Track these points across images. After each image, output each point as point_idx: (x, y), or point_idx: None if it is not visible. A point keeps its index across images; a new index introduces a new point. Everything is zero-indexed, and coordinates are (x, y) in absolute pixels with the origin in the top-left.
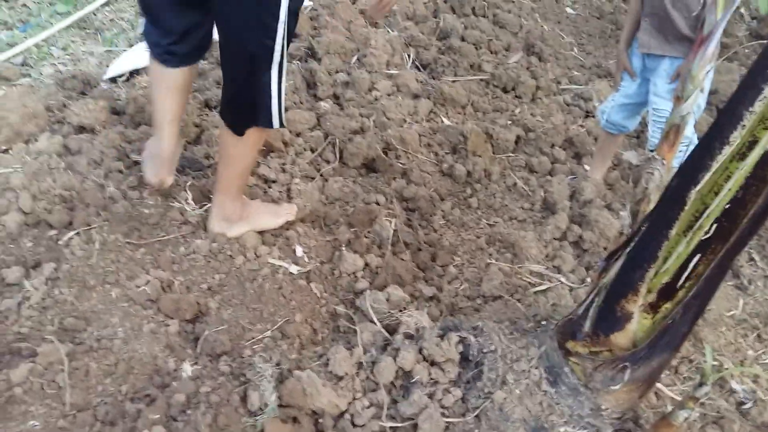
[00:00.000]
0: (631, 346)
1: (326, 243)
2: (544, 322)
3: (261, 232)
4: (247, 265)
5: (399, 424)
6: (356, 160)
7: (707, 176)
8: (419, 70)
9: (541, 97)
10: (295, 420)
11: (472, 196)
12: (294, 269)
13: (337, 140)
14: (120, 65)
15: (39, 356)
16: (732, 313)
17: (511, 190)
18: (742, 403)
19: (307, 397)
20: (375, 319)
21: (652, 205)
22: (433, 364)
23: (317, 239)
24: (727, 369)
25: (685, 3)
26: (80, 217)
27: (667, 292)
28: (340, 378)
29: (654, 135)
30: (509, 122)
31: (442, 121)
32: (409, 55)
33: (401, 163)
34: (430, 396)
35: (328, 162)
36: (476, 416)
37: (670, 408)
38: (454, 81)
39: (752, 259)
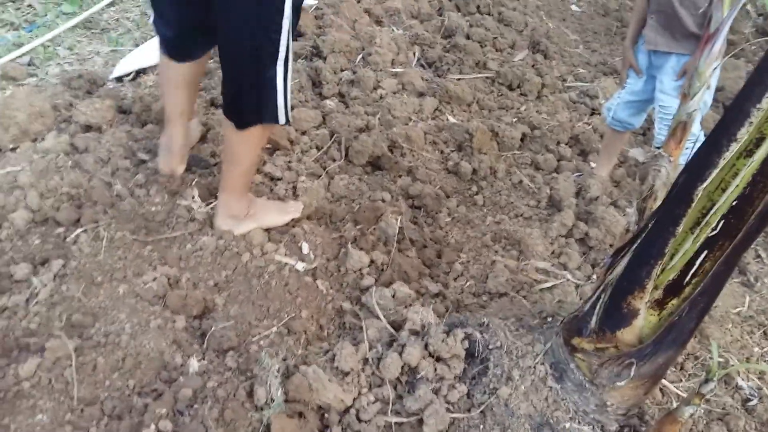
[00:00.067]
0: (637, 342)
1: (332, 240)
2: (549, 319)
3: (267, 230)
4: (254, 262)
5: (404, 420)
6: (362, 158)
7: (714, 173)
8: (424, 68)
9: (547, 94)
10: (301, 415)
11: (478, 194)
12: (300, 266)
13: (343, 138)
14: (126, 65)
15: (47, 351)
16: (738, 310)
17: (517, 187)
18: (748, 400)
19: (313, 392)
20: (381, 316)
21: (658, 202)
22: (438, 359)
23: (323, 236)
24: (732, 366)
25: (693, 0)
26: (87, 214)
27: (674, 288)
28: (346, 373)
29: (660, 132)
30: (515, 120)
31: (448, 119)
32: (414, 54)
33: (407, 161)
34: (436, 391)
35: (333, 160)
36: (481, 412)
37: (675, 404)
38: (459, 79)
39: (759, 256)
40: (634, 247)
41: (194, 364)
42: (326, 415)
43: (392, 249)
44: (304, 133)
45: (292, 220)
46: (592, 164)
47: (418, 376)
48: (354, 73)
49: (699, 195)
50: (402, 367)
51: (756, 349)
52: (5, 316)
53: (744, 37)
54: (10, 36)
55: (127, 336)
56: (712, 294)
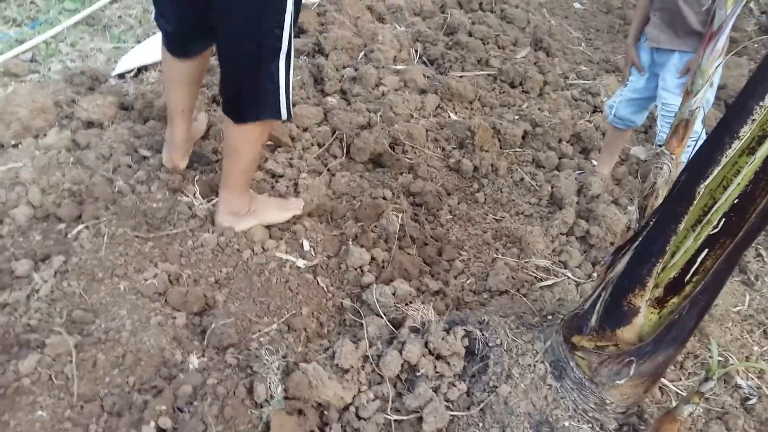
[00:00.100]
0: (638, 340)
1: (333, 237)
2: (550, 317)
3: (268, 227)
4: (255, 259)
5: (404, 417)
6: (363, 155)
7: (716, 170)
8: (426, 65)
9: (549, 92)
10: (300, 412)
11: (479, 191)
12: (301, 263)
13: (344, 135)
14: (128, 61)
15: (47, 347)
16: (738, 308)
17: (518, 185)
18: (747, 399)
19: (313, 389)
20: (381, 313)
21: (660, 200)
22: (438, 357)
23: (324, 233)
24: (732, 364)
25: None
26: (89, 210)
27: (675, 286)
28: (346, 371)
29: (663, 130)
30: (516, 117)
31: (449, 116)
32: (416, 51)
33: (408, 158)
34: (436, 389)
35: (335, 157)
36: (481, 410)
37: (674, 403)
38: (461, 76)
39: (759, 255)
40: (635, 245)
41: (194, 360)
42: (326, 412)
43: (393, 246)
44: (305, 129)
45: (293, 217)
46: (594, 162)
47: (418, 374)
48: (356, 70)
49: (701, 193)
50: (402, 365)
51: (756, 348)
52: (6, 312)
53: (747, 35)
54: (12, 32)
55: (128, 332)
56: (712, 292)
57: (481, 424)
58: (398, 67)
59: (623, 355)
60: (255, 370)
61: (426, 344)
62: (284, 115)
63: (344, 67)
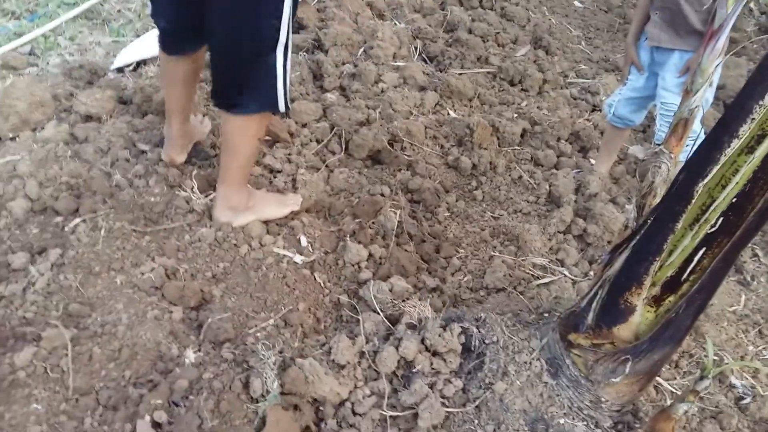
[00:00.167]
0: (634, 339)
1: (331, 233)
2: (546, 315)
3: (266, 222)
4: (252, 254)
5: (399, 413)
6: (362, 152)
7: (715, 169)
8: (426, 62)
9: (548, 90)
10: (296, 407)
11: (477, 189)
12: (298, 259)
13: (343, 131)
14: (127, 55)
15: (43, 341)
16: (734, 308)
17: (517, 183)
18: (741, 398)
19: (309, 384)
20: (378, 309)
21: (658, 199)
22: (435, 354)
23: (322, 229)
24: (727, 364)
25: None
26: (86, 204)
27: (672, 285)
28: (342, 366)
29: (662, 129)
30: (515, 115)
31: (449, 114)
32: (415, 48)
33: (407, 155)
34: (431, 386)
35: (333, 153)
36: (477, 407)
37: (669, 402)
38: (460, 73)
39: (755, 255)
40: (632, 243)
41: (190, 355)
42: (321, 408)
43: (390, 243)
44: (304, 125)
45: (291, 212)
46: (592, 161)
47: (414, 370)
48: (355, 66)
49: (699, 191)
50: (398, 361)
51: (750, 347)
52: (2, 305)
53: (746, 35)
54: (11, 25)
55: (124, 326)
56: (709, 291)
57: (476, 421)
58: (398, 63)
59: (619, 353)
60: (251, 365)
61: (422, 341)
62: (282, 107)
63: (344, 64)
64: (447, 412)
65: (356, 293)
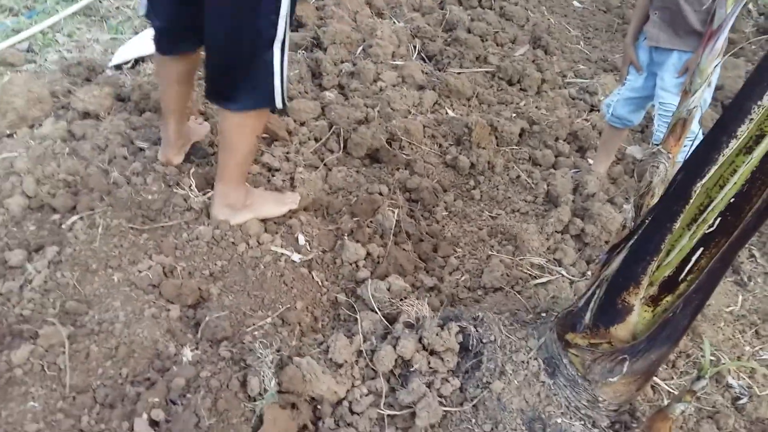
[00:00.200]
0: (631, 338)
1: (329, 232)
2: (544, 314)
3: (264, 220)
4: (250, 253)
5: (397, 412)
6: (360, 150)
7: (713, 169)
8: (425, 61)
9: (547, 90)
10: (294, 406)
11: (475, 188)
12: (296, 257)
13: (342, 130)
14: (125, 52)
15: (40, 338)
16: (731, 309)
17: (515, 182)
18: (738, 399)
19: (306, 383)
20: (376, 308)
21: (655, 199)
22: (432, 353)
23: (320, 228)
24: (723, 364)
25: None
26: (84, 201)
27: (669, 285)
28: (340, 365)
29: (660, 129)
30: (514, 115)
31: (447, 113)
32: (414, 47)
33: (405, 154)
34: (429, 385)
35: (332, 151)
36: (474, 406)
37: (666, 402)
38: (459, 73)
39: (752, 256)
40: (630, 243)
41: (188, 353)
42: (319, 406)
43: (388, 242)
44: (302, 124)
45: (289, 211)
46: (590, 161)
47: (412, 369)
48: (354, 65)
49: (697, 191)
50: (396, 360)
51: (747, 348)
52: None
53: (744, 36)
54: (9, 22)
55: (121, 324)
56: (706, 291)
57: (474, 420)
58: (396, 62)
59: (617, 353)
60: (248, 364)
61: (420, 340)
62: (279, 103)
63: (342, 62)
64: (444, 411)
65: (354, 292)
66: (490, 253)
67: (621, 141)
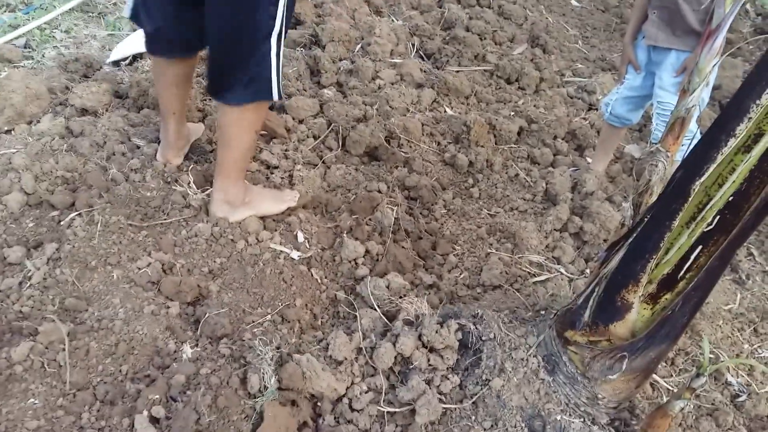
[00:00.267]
0: (630, 336)
1: (327, 229)
2: (543, 312)
3: (263, 218)
4: (249, 250)
5: (397, 409)
6: (359, 148)
7: (712, 168)
8: (423, 59)
9: (545, 88)
10: (293, 403)
11: (474, 186)
12: (295, 255)
13: (340, 128)
14: (123, 49)
15: (40, 335)
16: (729, 307)
17: (513, 180)
18: (737, 396)
19: (306, 380)
20: (375, 306)
21: (654, 197)
22: (432, 350)
23: (319, 225)
24: (722, 362)
25: None
26: (82, 198)
27: (668, 282)
28: (340, 362)
29: (658, 128)
30: (512, 113)
31: (446, 111)
32: (413, 45)
33: (404, 152)
34: (428, 382)
35: (330, 149)
36: (473, 403)
37: (665, 399)
38: (457, 71)
39: (751, 254)
40: (629, 241)
41: (187, 350)
42: (319, 403)
43: (387, 239)
44: (301, 121)
45: (288, 208)
46: (588, 159)
47: (411, 367)
48: (352, 62)
49: (696, 190)
50: (395, 357)
51: (746, 345)
52: None
53: (742, 36)
54: (6, 17)
55: (121, 321)
56: (705, 289)
57: (473, 417)
58: (395, 60)
59: (616, 351)
60: (248, 361)
61: (419, 337)
62: (276, 95)
63: (341, 60)
64: (444, 408)
65: (353, 289)
66: (489, 251)
67: (619, 140)
